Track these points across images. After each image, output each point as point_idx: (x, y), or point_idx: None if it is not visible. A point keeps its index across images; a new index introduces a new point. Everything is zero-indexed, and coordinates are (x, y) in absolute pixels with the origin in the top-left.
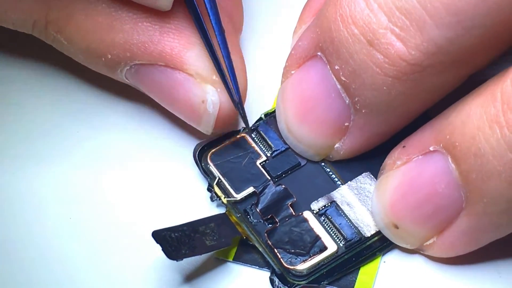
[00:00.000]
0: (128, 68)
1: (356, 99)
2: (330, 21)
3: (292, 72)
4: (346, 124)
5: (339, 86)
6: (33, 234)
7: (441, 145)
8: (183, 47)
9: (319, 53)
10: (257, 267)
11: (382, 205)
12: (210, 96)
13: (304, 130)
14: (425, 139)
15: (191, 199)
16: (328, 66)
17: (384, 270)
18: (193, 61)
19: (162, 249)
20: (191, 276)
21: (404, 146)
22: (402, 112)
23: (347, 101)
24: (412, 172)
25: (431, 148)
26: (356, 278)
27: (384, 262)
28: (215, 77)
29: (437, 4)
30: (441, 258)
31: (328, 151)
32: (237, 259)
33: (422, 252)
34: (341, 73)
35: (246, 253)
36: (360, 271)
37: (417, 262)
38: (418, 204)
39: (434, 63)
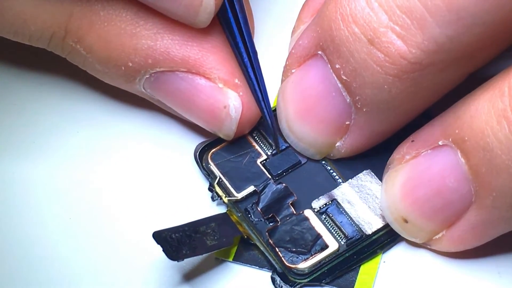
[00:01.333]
0: (147, 76)
1: (357, 98)
2: (330, 19)
3: (293, 71)
4: (347, 122)
5: (340, 85)
6: (34, 234)
7: (450, 139)
8: (206, 51)
9: (319, 52)
10: (257, 267)
11: (391, 199)
12: (232, 101)
13: (305, 129)
14: (433, 133)
15: (192, 199)
16: (329, 65)
17: (384, 270)
18: (215, 64)
19: (163, 250)
20: (192, 276)
21: (412, 141)
22: (403, 111)
23: (348, 100)
24: (421, 166)
25: (440, 143)
26: (356, 278)
27: (384, 261)
28: (237, 81)
29: (438, 2)
30: (444, 254)
31: (329, 149)
32: (237, 259)
33: (429, 246)
34: (341, 72)
35: (246, 253)
36: (360, 271)
37: (417, 261)
38: (427, 198)
39: (435, 61)
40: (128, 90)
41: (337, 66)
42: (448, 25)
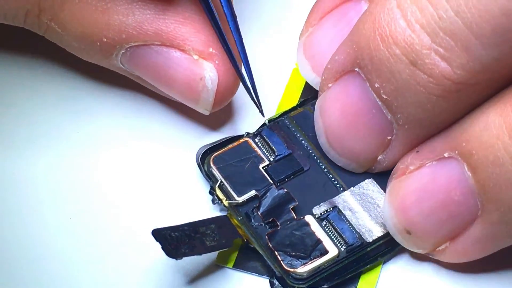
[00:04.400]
0: (123, 51)
1: (398, 116)
2: (368, 39)
3: (330, 85)
4: (389, 137)
5: (379, 103)
6: (34, 234)
7: (456, 152)
8: (178, 23)
9: (356, 69)
10: (257, 274)
11: (395, 210)
12: (208, 73)
13: (346, 145)
14: (439, 145)
15: (193, 202)
16: (367, 83)
17: (385, 278)
18: (188, 36)
19: (162, 247)
20: (192, 280)
21: (417, 151)
22: (443, 124)
23: (389, 117)
24: (426, 177)
25: (446, 155)
26: (356, 286)
27: (385, 270)
28: (212, 50)
29: (484, 25)
30: (447, 263)
31: (371, 163)
32: (237, 266)
33: (432, 257)
34: (381, 91)
35: (246, 260)
36: (360, 279)
37: (418, 270)
38: (432, 211)
39: (480, 80)
40: (108, 67)
41: (377, 85)
42: (494, 47)
